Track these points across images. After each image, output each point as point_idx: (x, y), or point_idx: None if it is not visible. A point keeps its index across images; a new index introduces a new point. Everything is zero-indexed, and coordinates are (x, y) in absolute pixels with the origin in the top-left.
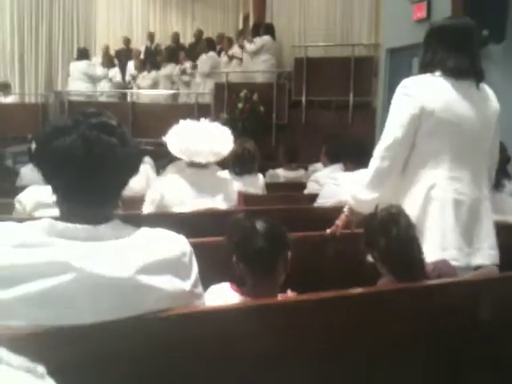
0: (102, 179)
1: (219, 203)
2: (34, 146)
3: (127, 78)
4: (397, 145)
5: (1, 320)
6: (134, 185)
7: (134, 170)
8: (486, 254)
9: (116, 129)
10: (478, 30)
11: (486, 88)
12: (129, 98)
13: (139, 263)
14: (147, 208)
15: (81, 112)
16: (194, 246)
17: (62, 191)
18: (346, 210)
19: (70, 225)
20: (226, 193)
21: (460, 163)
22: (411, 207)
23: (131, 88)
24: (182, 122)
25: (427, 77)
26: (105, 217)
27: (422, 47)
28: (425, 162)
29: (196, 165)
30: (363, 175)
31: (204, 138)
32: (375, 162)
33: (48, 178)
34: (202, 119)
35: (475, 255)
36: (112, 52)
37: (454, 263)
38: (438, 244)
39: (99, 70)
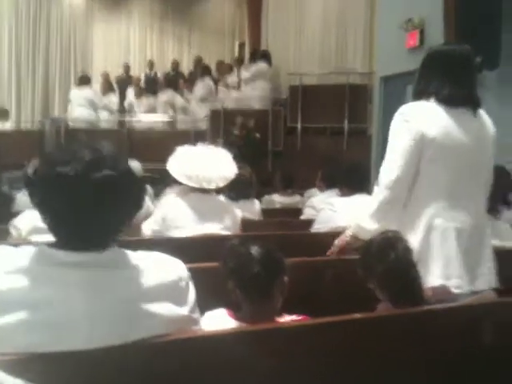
0: (101, 216)
1: (219, 229)
2: (29, 178)
3: (126, 105)
4: (403, 175)
5: None
6: None
7: (138, 207)
8: (485, 279)
9: (118, 179)
10: (473, 55)
11: (482, 113)
12: (127, 125)
13: (136, 289)
14: (149, 226)
15: (77, 147)
16: (191, 271)
17: (57, 226)
18: (348, 233)
19: (65, 252)
20: (227, 218)
21: (460, 190)
22: (413, 236)
23: (129, 115)
24: (182, 147)
25: (424, 103)
26: (101, 243)
27: (418, 72)
28: (426, 189)
29: (200, 190)
30: (369, 203)
31: (211, 164)
32: (381, 192)
33: (43, 214)
34: (199, 144)
35: (476, 281)
36: (111, 78)
37: (457, 291)
38: (442, 273)
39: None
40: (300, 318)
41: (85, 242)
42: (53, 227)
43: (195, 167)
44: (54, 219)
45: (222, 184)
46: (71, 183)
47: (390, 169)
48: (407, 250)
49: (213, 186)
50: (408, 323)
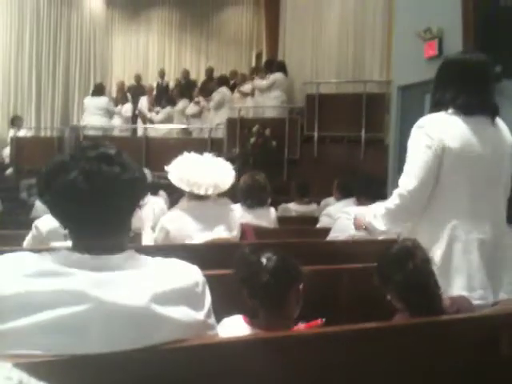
0: (107, 209)
1: (222, 233)
2: (37, 184)
3: (136, 112)
4: (421, 188)
5: (15, 349)
6: (141, 215)
7: (140, 194)
8: (508, 289)
9: (115, 157)
10: (491, 65)
11: (500, 122)
12: (139, 133)
13: (153, 293)
14: (153, 239)
15: (78, 146)
16: (207, 277)
17: (70, 225)
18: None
19: (84, 255)
20: (227, 222)
21: (480, 200)
22: (435, 248)
23: (142, 123)
24: (184, 155)
25: (442, 115)
26: (118, 247)
27: (434, 82)
28: (446, 201)
29: (197, 197)
30: (384, 204)
31: (205, 171)
32: (397, 199)
33: (55, 214)
34: (206, 154)
35: (499, 290)
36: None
37: (480, 302)
38: (465, 285)
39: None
40: (314, 322)
41: (100, 245)
42: (67, 227)
43: (188, 172)
44: (65, 217)
45: (212, 192)
46: (69, 165)
47: (409, 179)
48: (426, 260)
49: (202, 192)
50: (426, 333)
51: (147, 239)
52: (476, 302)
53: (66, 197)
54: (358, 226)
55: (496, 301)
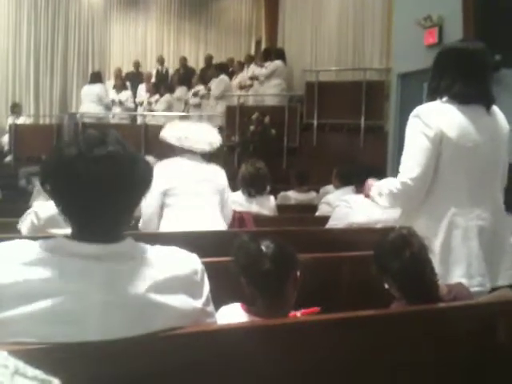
0: (112, 204)
1: (213, 188)
2: (40, 173)
3: (137, 101)
4: (422, 176)
5: (12, 337)
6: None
7: (145, 188)
8: (506, 275)
9: (123, 156)
10: (490, 53)
11: (496, 110)
12: (139, 121)
13: (151, 281)
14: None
15: (86, 139)
16: (206, 265)
17: (72, 215)
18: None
19: (81, 243)
20: (216, 182)
21: (478, 187)
22: (434, 236)
23: (138, 110)
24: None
25: (438, 104)
26: (116, 235)
27: (431, 71)
28: (445, 189)
29: (188, 152)
30: (387, 185)
31: (198, 131)
32: (398, 185)
33: (57, 203)
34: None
35: (498, 277)
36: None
37: (479, 289)
38: (464, 272)
39: (112, 94)
40: (310, 310)
41: (100, 233)
42: (68, 216)
43: (185, 130)
44: (68, 206)
45: (207, 148)
46: (76, 162)
47: (409, 167)
48: (423, 247)
49: (206, 149)
50: (423, 320)
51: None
52: (474, 289)
53: (69, 194)
54: (366, 192)
55: (494, 287)
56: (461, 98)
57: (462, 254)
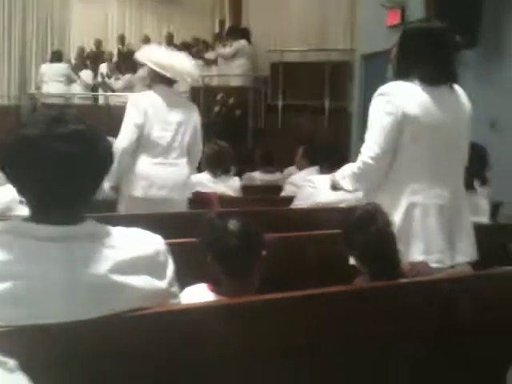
0: (72, 187)
1: (186, 117)
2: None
3: (98, 79)
4: (382, 154)
5: None
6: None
7: (105, 171)
8: (466, 253)
9: (83, 134)
10: (452, 34)
11: (459, 90)
12: (101, 101)
13: (113, 262)
14: (132, 121)
15: (45, 118)
16: (170, 246)
17: (31, 197)
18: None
19: (41, 225)
20: (191, 113)
21: (439, 167)
22: (395, 213)
23: (99, 90)
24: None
25: (403, 83)
26: (77, 217)
27: (396, 52)
28: (406, 167)
29: (167, 81)
30: (352, 166)
31: (178, 60)
32: (359, 165)
33: (15, 185)
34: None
35: (457, 255)
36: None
37: (437, 265)
38: (423, 249)
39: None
40: None
41: (59, 215)
42: (27, 197)
43: (166, 58)
44: (28, 187)
45: (187, 80)
46: (40, 141)
47: (369, 146)
48: (387, 223)
49: (188, 80)
50: (384, 296)
51: None
52: (433, 265)
53: (30, 174)
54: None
55: (453, 264)
56: (429, 80)
57: (421, 231)
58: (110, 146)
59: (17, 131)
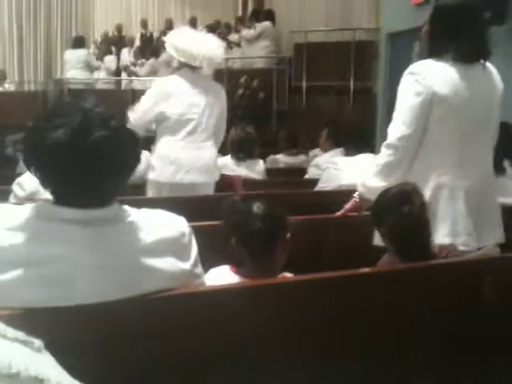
0: (99, 174)
1: (212, 99)
2: (25, 138)
3: (120, 66)
4: (410, 135)
5: None
6: None
7: (134, 162)
8: (493, 235)
9: (110, 121)
10: (483, 9)
11: (491, 68)
12: (123, 86)
13: (138, 244)
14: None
15: (75, 104)
16: (194, 229)
17: (56, 182)
18: (355, 195)
19: (67, 208)
20: (218, 95)
21: (468, 148)
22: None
23: (123, 75)
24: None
25: (434, 62)
26: (103, 201)
27: (428, 30)
28: (435, 147)
29: (190, 67)
30: (375, 162)
31: (200, 45)
32: (387, 151)
33: (39, 178)
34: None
35: (483, 236)
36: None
37: (464, 248)
38: (450, 230)
39: (95, 59)
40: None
41: (85, 200)
42: (51, 188)
43: (187, 43)
44: (53, 185)
45: (209, 64)
46: (62, 150)
47: (397, 127)
48: (423, 205)
49: (203, 65)
50: (410, 278)
51: None
52: (460, 248)
53: (55, 157)
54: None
55: (480, 247)
56: (465, 58)
57: (448, 212)
58: (137, 141)
59: (42, 131)
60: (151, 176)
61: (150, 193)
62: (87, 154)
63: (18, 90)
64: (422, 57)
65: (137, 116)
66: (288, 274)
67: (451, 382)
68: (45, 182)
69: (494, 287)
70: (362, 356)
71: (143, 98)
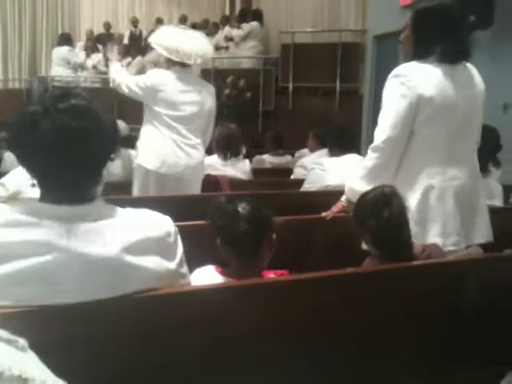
0: (78, 163)
1: (204, 98)
2: (6, 135)
3: (108, 64)
4: (396, 137)
5: None
6: (114, 169)
7: (111, 146)
8: (482, 234)
9: (87, 109)
10: (466, 13)
11: (472, 69)
12: (111, 84)
13: (124, 243)
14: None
15: (50, 96)
16: (179, 228)
17: (40, 176)
18: (343, 199)
19: (52, 205)
20: (209, 94)
21: (455, 149)
22: (411, 196)
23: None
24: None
25: (418, 64)
26: (88, 197)
27: (411, 33)
28: (423, 149)
29: (180, 64)
30: (361, 165)
31: (190, 41)
32: (373, 154)
33: (25, 165)
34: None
35: (472, 236)
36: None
37: (454, 248)
38: (440, 231)
39: (81, 56)
40: (279, 272)
41: (69, 194)
42: (37, 177)
43: (176, 42)
44: (35, 166)
45: (199, 61)
46: (40, 117)
47: (383, 130)
48: (401, 208)
49: (198, 62)
50: (393, 279)
51: None
52: (450, 248)
53: (36, 150)
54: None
55: (468, 246)
56: (450, 59)
57: (438, 213)
58: (113, 125)
59: (21, 109)
60: (139, 161)
61: (136, 181)
62: (60, 121)
63: (2, 88)
64: (406, 60)
65: (128, 84)
66: (271, 273)
67: (438, 381)
68: (30, 170)
69: (476, 288)
70: (350, 355)
71: (137, 78)
